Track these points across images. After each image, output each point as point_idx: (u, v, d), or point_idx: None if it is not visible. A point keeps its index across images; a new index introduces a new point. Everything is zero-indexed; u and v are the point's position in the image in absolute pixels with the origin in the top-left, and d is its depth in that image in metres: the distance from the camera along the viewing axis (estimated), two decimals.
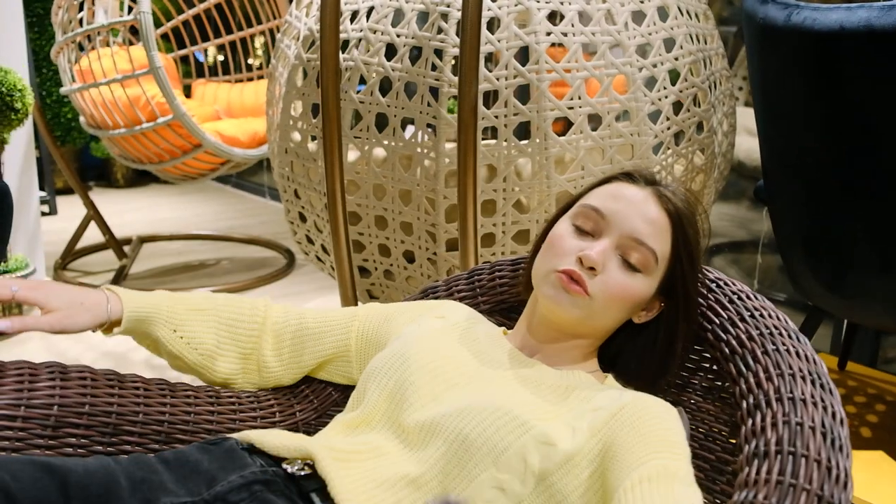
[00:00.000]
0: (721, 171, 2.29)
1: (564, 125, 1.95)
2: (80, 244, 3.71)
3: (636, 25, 1.93)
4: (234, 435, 1.00)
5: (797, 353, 0.93)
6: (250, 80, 4.05)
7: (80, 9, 3.10)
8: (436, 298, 1.29)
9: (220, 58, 4.16)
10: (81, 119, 3.29)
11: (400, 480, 0.90)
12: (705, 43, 2.10)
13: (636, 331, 1.09)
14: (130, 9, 2.94)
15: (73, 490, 0.83)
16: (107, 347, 2.66)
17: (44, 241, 3.26)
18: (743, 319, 1.01)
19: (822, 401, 0.86)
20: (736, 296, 1.06)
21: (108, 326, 1.07)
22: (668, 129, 1.98)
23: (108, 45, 3.21)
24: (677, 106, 2.01)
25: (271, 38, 3.91)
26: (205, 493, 0.87)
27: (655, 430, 0.88)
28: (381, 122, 1.97)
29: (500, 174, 1.90)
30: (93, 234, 3.80)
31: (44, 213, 4.53)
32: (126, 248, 3.69)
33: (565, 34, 1.87)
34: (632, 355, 1.09)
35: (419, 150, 1.93)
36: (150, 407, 1.08)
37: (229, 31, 4.00)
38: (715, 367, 1.07)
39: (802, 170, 1.84)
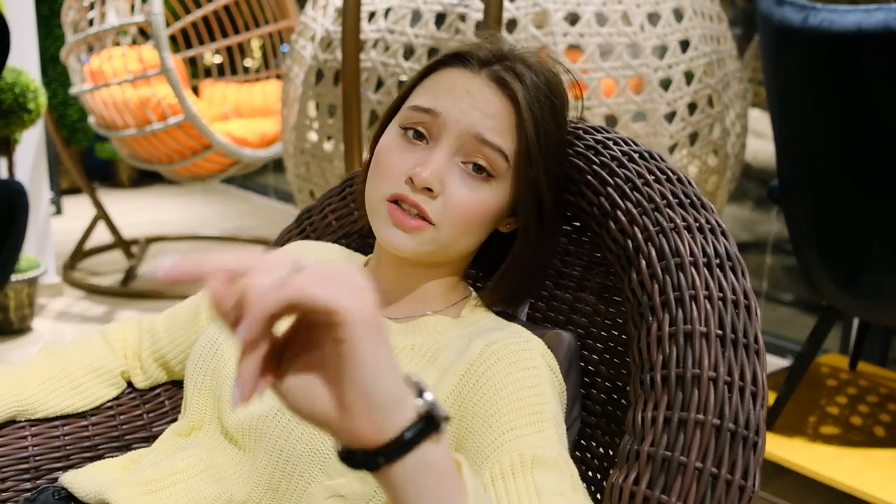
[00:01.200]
0: (733, 172, 2.30)
1: None
2: (88, 244, 3.72)
3: (652, 27, 1.94)
4: (59, 481, 0.90)
5: (695, 227, 0.78)
6: (257, 80, 4.06)
7: (91, 9, 3.11)
8: (309, 223, 1.15)
9: (217, 60, 4.16)
10: (91, 119, 3.30)
11: None
12: (719, 44, 2.12)
13: (507, 238, 0.89)
14: (141, 9, 2.95)
15: None
16: None
17: (53, 242, 3.27)
18: (634, 189, 0.84)
19: (721, 289, 0.74)
20: (625, 157, 0.87)
21: None
22: (683, 129, 1.99)
23: (117, 45, 3.22)
24: (692, 107, 2.03)
25: (278, 39, 3.92)
26: None
27: (510, 389, 0.73)
28: None
29: None
30: (100, 235, 3.80)
31: (50, 214, 4.53)
32: (133, 249, 3.70)
33: (582, 35, 1.88)
34: (502, 272, 0.89)
35: None
36: (5, 446, 0.97)
37: (237, 32, 4.01)
38: (606, 259, 0.88)
39: (818, 170, 1.86)
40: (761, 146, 3.13)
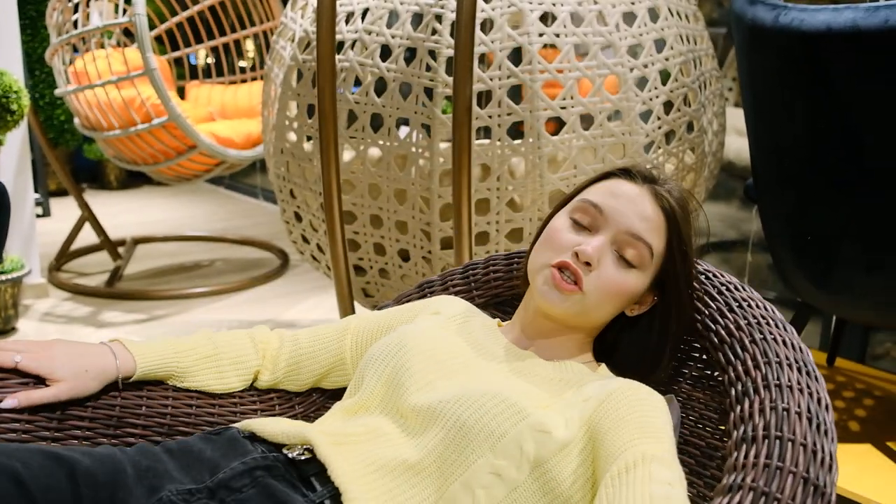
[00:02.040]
0: (711, 170, 2.32)
1: (557, 125, 1.97)
2: (75, 245, 3.73)
3: (627, 26, 1.96)
4: (236, 424, 1.02)
5: (784, 342, 0.95)
6: (244, 81, 4.07)
7: (75, 11, 3.11)
8: (431, 293, 1.31)
9: (211, 60, 4.17)
10: (76, 121, 3.30)
11: (399, 465, 0.91)
12: (695, 44, 2.13)
13: (629, 323, 1.10)
14: (125, 11, 2.96)
15: (81, 478, 0.85)
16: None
17: (38, 243, 3.27)
18: (731, 310, 1.03)
19: (808, 387, 0.88)
20: (725, 287, 1.07)
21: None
22: (659, 128, 2.01)
23: (102, 46, 3.23)
24: (668, 106, 2.05)
25: (265, 40, 3.93)
26: (208, 480, 0.89)
27: (638, 415, 0.90)
28: (376, 122, 1.99)
29: (493, 173, 1.93)
30: (87, 236, 3.81)
31: (37, 215, 4.53)
32: (120, 250, 3.71)
33: (557, 35, 1.90)
34: (625, 348, 1.11)
35: (414, 149, 1.96)
36: (153, 400, 1.10)
37: (222, 34, 4.02)
38: (704, 357, 1.09)
39: (790, 168, 1.88)
40: (745, 144, 3.15)
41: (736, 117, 3.01)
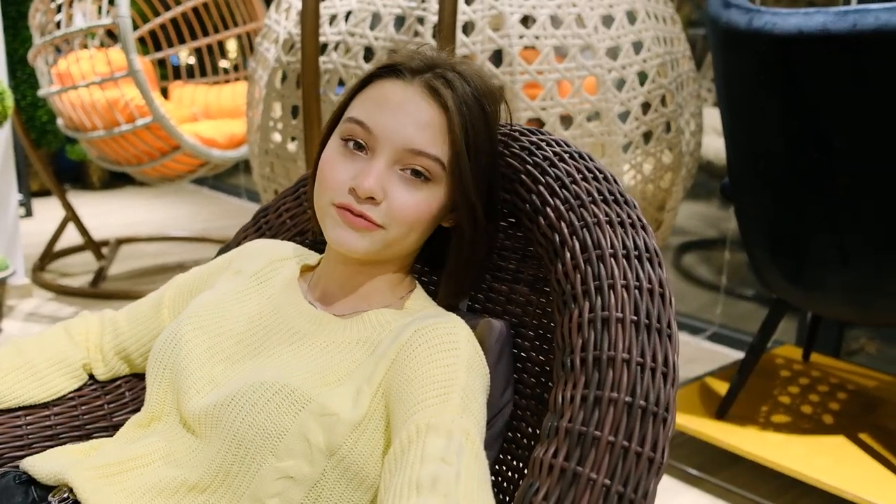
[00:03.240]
0: (689, 170, 2.36)
1: (537, 125, 2.01)
2: (58, 246, 3.73)
3: (606, 29, 2.00)
4: (20, 464, 0.94)
5: (616, 221, 0.85)
6: (227, 82, 4.08)
7: (58, 12, 3.12)
8: (266, 222, 1.21)
9: (193, 61, 4.19)
10: (59, 121, 3.31)
11: (180, 487, 0.82)
12: (672, 46, 2.18)
13: (445, 232, 0.96)
14: (108, 12, 2.97)
15: None
16: None
17: (22, 244, 3.28)
18: (563, 186, 0.90)
19: (638, 278, 0.80)
20: (556, 157, 0.93)
21: None
22: (637, 128, 2.05)
23: (85, 47, 3.24)
24: (645, 106, 2.09)
25: (248, 40, 3.95)
26: None
27: (430, 368, 0.80)
28: None
29: None
30: (70, 236, 3.81)
31: (20, 216, 4.53)
32: (104, 250, 3.71)
33: (537, 37, 1.94)
34: (450, 267, 0.96)
35: None
36: None
37: (205, 34, 4.03)
38: (537, 252, 0.94)
39: (764, 167, 1.92)
40: (724, 145, 3.20)
41: (715, 118, 3.06)
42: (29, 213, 4.66)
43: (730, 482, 2.07)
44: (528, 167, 0.94)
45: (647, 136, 2.13)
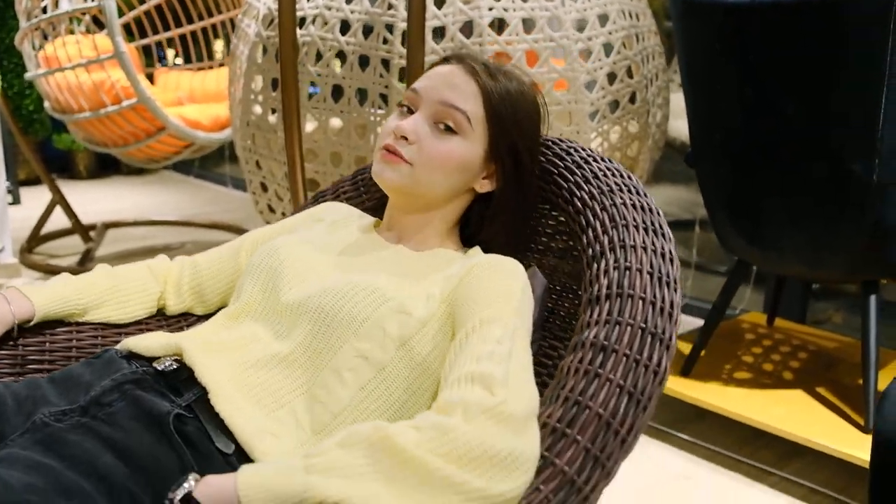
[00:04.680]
0: (656, 141, 2.46)
1: None
2: (46, 230, 3.79)
3: (572, 2, 2.09)
4: (119, 345, 1.06)
5: (634, 206, 1.04)
6: (211, 68, 4.15)
7: None
8: (323, 201, 1.38)
9: (180, 60, 4.26)
10: (46, 104, 3.38)
11: (270, 360, 0.97)
12: (637, 19, 2.27)
13: (485, 201, 1.16)
14: None
15: None
16: None
17: (10, 228, 3.34)
18: (588, 181, 1.11)
19: (654, 245, 0.98)
20: (584, 160, 1.14)
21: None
22: (604, 97, 2.14)
23: (71, 33, 3.31)
24: (612, 77, 2.18)
25: (232, 28, 4.02)
26: (81, 400, 0.92)
27: (493, 283, 0.98)
28: (337, 93, 2.10)
29: None
30: (58, 220, 3.88)
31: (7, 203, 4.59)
32: (91, 234, 3.78)
33: (506, 10, 2.02)
34: (489, 227, 1.16)
35: (372, 118, 2.07)
36: (56, 336, 1.16)
37: (190, 21, 4.10)
38: (567, 229, 1.16)
39: (722, 134, 2.02)
40: None
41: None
42: (16, 201, 4.72)
43: (697, 437, 2.16)
44: (566, 163, 1.16)
45: (613, 106, 2.22)
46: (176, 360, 0.98)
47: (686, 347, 2.37)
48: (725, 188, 2.08)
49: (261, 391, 0.95)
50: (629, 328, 0.89)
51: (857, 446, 1.84)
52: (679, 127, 3.12)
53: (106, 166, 5.54)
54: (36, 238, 3.72)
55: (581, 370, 0.86)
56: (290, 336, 0.99)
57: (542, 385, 1.12)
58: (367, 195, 1.37)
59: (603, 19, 2.16)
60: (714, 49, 1.93)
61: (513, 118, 1.09)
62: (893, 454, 0.96)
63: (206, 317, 1.25)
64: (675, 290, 0.94)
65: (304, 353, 0.97)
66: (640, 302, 0.91)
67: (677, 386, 2.14)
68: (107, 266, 1.23)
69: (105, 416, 0.89)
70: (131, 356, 1.02)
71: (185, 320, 1.26)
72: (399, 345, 0.95)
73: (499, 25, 2.15)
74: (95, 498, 0.79)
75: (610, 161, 1.13)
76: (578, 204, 1.10)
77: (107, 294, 1.19)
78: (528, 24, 2.07)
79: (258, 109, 2.28)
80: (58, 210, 3.73)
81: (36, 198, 4.66)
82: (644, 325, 0.89)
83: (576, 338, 0.91)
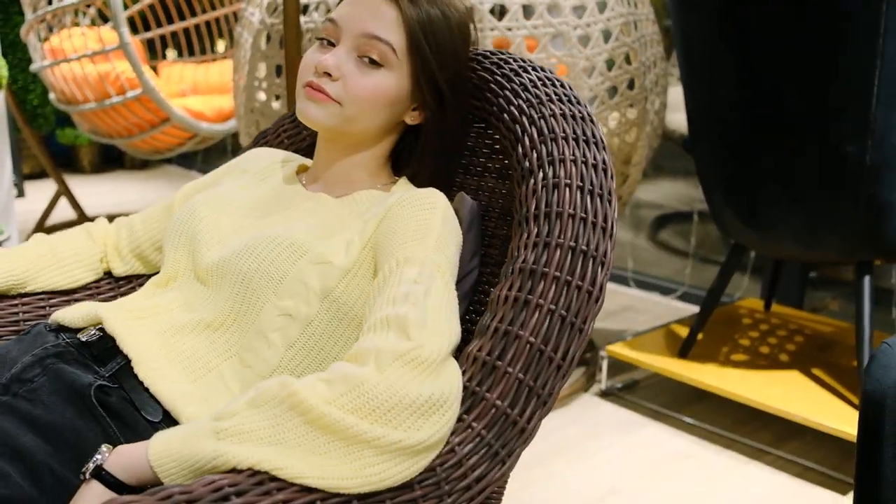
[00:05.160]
0: (654, 128, 2.49)
1: None
2: (50, 222, 3.83)
3: None
4: (50, 318, 1.03)
5: (565, 115, 0.97)
6: (214, 61, 4.19)
7: None
8: (265, 143, 1.34)
9: (172, 55, 4.30)
10: (52, 95, 3.41)
11: (196, 325, 0.95)
12: (635, 7, 2.30)
13: (415, 132, 1.10)
14: None
15: None
16: None
17: (16, 219, 3.38)
18: (517, 95, 1.03)
19: (584, 156, 0.92)
20: (514, 72, 1.07)
21: None
22: (602, 83, 2.18)
23: (76, 26, 3.34)
24: (610, 63, 2.21)
25: (235, 20, 4.06)
26: (3, 378, 0.89)
27: (411, 221, 0.94)
28: None
29: None
30: (62, 214, 3.91)
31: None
32: None
33: None
34: (416, 157, 1.11)
35: None
36: (1, 311, 1.12)
37: (193, 15, 4.14)
38: (503, 147, 1.08)
39: (719, 116, 2.05)
40: None
41: None
42: (21, 194, 4.75)
43: (695, 417, 2.19)
44: (497, 77, 1.10)
45: (613, 92, 2.25)
46: (100, 331, 0.95)
47: (684, 331, 2.40)
48: (723, 172, 2.11)
49: (186, 357, 0.93)
50: (559, 249, 0.85)
51: (851, 424, 1.87)
52: (678, 120, 3.15)
53: (109, 161, 5.58)
54: (41, 229, 3.76)
55: (511, 298, 0.84)
56: (214, 300, 0.96)
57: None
58: (307, 131, 1.31)
59: (601, 6, 2.19)
60: (713, 37, 1.97)
61: (434, 47, 1.02)
62: (877, 408, 0.99)
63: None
64: (609, 202, 0.90)
65: (227, 316, 0.95)
66: (570, 219, 0.87)
67: (676, 367, 2.18)
68: (43, 235, 1.19)
69: (26, 392, 0.86)
70: (60, 329, 0.99)
71: (135, 281, 1.23)
72: (323, 297, 0.92)
73: (500, 12, 2.18)
74: (15, 479, 0.76)
75: (544, 70, 1.06)
76: (508, 119, 1.03)
77: (42, 261, 1.14)
78: (527, 11, 2.10)
79: (262, 96, 2.32)
80: (62, 203, 3.77)
81: (40, 191, 4.70)
82: (574, 244, 0.85)
83: (506, 265, 0.88)
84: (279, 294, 0.93)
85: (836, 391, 2.04)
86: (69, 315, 0.99)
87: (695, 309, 3.05)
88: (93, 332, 0.95)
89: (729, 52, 1.93)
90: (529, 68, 1.07)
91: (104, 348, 0.93)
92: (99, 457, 0.76)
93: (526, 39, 2.08)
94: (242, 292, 0.94)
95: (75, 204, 3.72)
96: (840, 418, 1.89)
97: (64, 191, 3.69)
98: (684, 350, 2.24)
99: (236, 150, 5.13)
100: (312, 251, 0.94)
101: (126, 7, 4.02)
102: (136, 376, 0.89)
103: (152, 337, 0.94)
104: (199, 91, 3.86)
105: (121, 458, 0.76)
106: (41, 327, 0.99)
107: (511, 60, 1.09)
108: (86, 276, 1.18)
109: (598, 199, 0.90)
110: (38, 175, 4.97)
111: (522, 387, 0.79)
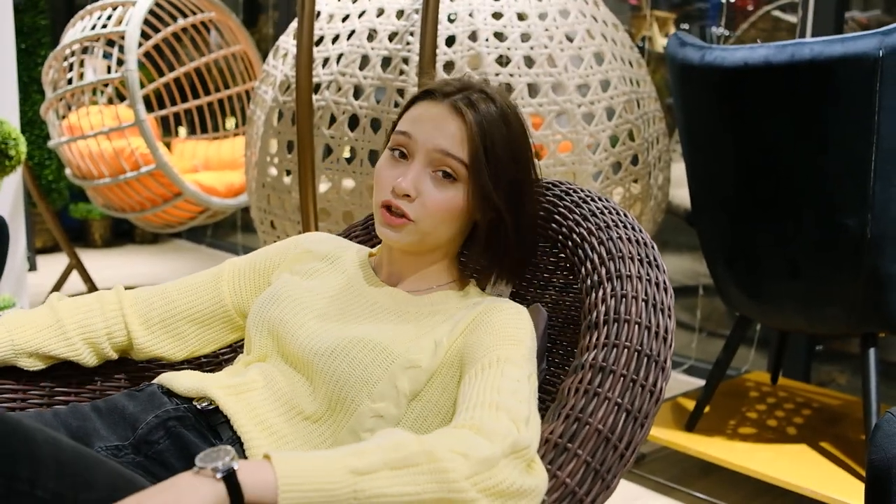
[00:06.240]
0: (658, 202, 2.53)
1: None
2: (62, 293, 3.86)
3: (575, 68, 2.19)
4: (156, 380, 1.09)
5: (629, 240, 1.10)
6: (226, 137, 4.29)
7: (70, 70, 3.33)
8: None
9: (183, 132, 4.41)
10: (67, 171, 3.49)
11: (296, 416, 1.02)
12: (637, 86, 2.37)
13: (486, 237, 1.14)
14: (116, 71, 3.18)
15: None
16: None
17: (28, 292, 3.41)
18: (586, 219, 1.16)
19: (648, 275, 1.04)
20: (582, 200, 1.20)
21: None
22: (606, 159, 2.23)
23: (94, 104, 3.44)
24: (614, 140, 2.27)
25: (248, 99, 4.17)
26: (131, 436, 0.98)
27: (499, 327, 1.01)
28: (350, 155, 2.19)
29: None
30: (73, 287, 3.95)
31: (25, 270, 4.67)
32: None
33: (512, 75, 2.12)
34: (488, 258, 1.16)
35: None
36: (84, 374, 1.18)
37: (207, 93, 4.25)
38: (567, 265, 1.21)
39: (720, 192, 2.09)
40: None
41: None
42: (33, 268, 4.80)
43: (704, 492, 2.18)
44: (565, 202, 1.23)
45: (617, 168, 2.30)
46: (211, 402, 1.03)
47: (691, 404, 2.39)
48: (725, 243, 2.15)
49: (287, 443, 1.00)
50: (626, 350, 0.95)
51: (860, 498, 1.85)
52: (682, 195, 3.21)
53: (120, 235, 5.64)
54: None
55: (581, 389, 0.92)
56: (309, 392, 1.03)
57: (545, 410, 1.17)
58: (377, 238, 1.36)
59: (605, 84, 2.25)
60: (711, 111, 2.02)
61: (504, 151, 1.08)
62: (883, 476, 1.00)
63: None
64: (669, 317, 1.00)
65: (325, 412, 1.01)
66: (637, 326, 0.97)
67: (683, 441, 2.17)
68: (56, 301, 1.17)
69: (154, 454, 0.95)
70: (171, 393, 1.06)
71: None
72: (411, 398, 1.00)
73: (506, 90, 2.25)
74: None
75: (607, 200, 1.19)
76: (577, 238, 1.16)
77: (49, 332, 1.13)
78: (533, 89, 2.16)
79: (273, 171, 2.38)
80: (73, 277, 3.81)
81: (52, 265, 4.75)
82: (640, 348, 0.95)
83: (576, 361, 0.97)
84: (373, 397, 0.99)
85: (844, 464, 2.03)
86: (177, 383, 1.06)
87: (701, 382, 3.04)
88: (206, 403, 1.03)
89: (728, 128, 1.99)
90: (594, 198, 1.20)
91: (218, 422, 1.01)
92: (228, 458, 0.75)
93: (531, 117, 2.14)
94: (337, 392, 1.00)
95: (86, 277, 3.76)
96: (849, 492, 1.88)
97: (76, 264, 3.74)
98: (691, 423, 2.24)
99: (246, 224, 5.22)
100: (403, 356, 1.00)
101: (142, 86, 4.14)
102: (244, 452, 0.97)
103: (259, 416, 1.01)
104: (210, 166, 3.94)
105: (246, 477, 0.74)
106: (154, 388, 1.06)
107: (573, 192, 1.22)
108: (90, 359, 1.16)
109: (661, 313, 1.01)
110: (50, 249, 5.02)
111: (590, 469, 0.87)
